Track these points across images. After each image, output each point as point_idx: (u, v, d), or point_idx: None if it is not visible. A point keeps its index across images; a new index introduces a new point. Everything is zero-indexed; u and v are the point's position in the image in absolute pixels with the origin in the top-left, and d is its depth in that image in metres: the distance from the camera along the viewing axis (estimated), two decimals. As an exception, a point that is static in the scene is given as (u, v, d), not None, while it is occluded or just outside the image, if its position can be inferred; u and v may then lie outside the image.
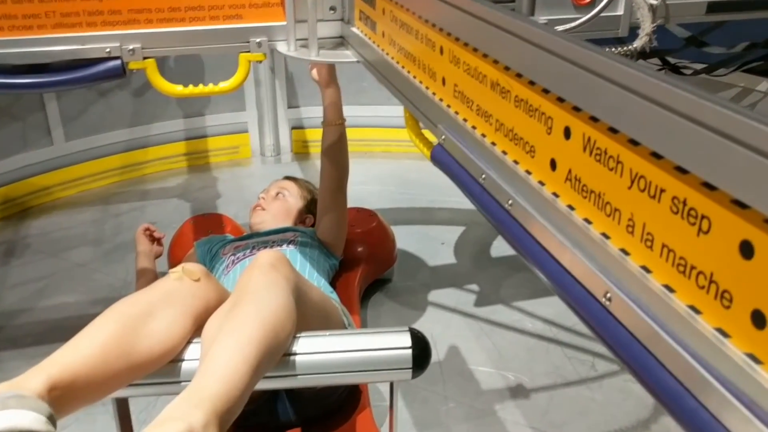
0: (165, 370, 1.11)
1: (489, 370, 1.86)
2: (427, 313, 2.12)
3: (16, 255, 2.53)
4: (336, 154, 1.86)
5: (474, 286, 2.27)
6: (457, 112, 0.96)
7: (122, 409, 1.18)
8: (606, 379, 1.82)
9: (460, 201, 2.78)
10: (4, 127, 2.78)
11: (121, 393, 1.12)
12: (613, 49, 1.34)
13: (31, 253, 2.54)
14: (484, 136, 0.88)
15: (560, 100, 0.70)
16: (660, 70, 2.30)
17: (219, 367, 0.97)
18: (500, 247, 2.49)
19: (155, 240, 2.06)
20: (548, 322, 2.05)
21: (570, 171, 0.69)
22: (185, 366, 1.12)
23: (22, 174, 2.86)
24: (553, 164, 0.72)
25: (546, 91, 0.73)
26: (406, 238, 2.48)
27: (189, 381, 0.97)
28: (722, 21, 1.97)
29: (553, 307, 2.11)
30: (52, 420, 0.83)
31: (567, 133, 0.69)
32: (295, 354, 1.15)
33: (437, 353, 1.92)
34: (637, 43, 1.23)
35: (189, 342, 1.14)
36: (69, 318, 2.13)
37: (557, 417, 1.69)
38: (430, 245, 2.51)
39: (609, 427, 1.65)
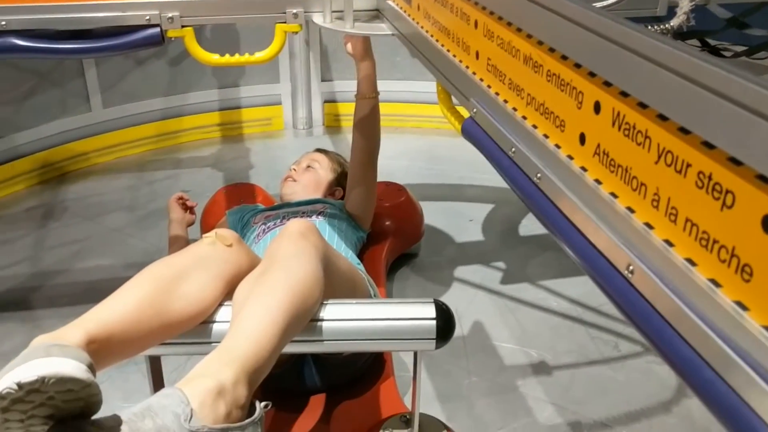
0: (197, 331, 1.14)
1: (512, 347, 1.88)
2: (453, 289, 2.14)
3: (54, 218, 2.60)
4: (368, 127, 1.87)
5: (500, 264, 2.27)
6: (489, 86, 0.97)
7: (155, 366, 1.22)
8: (629, 360, 1.82)
9: (490, 178, 2.79)
10: (45, 93, 2.85)
11: (154, 351, 1.16)
12: (650, 28, 1.33)
13: (69, 217, 2.61)
14: (515, 109, 0.89)
15: (591, 74, 0.71)
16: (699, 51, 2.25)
17: (248, 329, 1.00)
18: (528, 226, 2.49)
19: (188, 208, 2.10)
20: (573, 302, 2.06)
21: (598, 145, 0.70)
22: (216, 327, 1.15)
23: (61, 139, 2.93)
24: (582, 138, 0.73)
25: (578, 66, 0.73)
26: (434, 214, 2.49)
27: (219, 342, 1.01)
28: (765, 2, 1.93)
29: (579, 287, 2.12)
30: (91, 369, 0.87)
31: (597, 107, 0.70)
32: (322, 320, 1.17)
33: (461, 328, 1.94)
34: (674, 22, 1.22)
35: (220, 305, 1.18)
36: (103, 280, 2.19)
37: (578, 394, 1.70)
38: (458, 222, 2.52)
39: (630, 407, 1.66)
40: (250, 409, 0.96)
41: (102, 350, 0.96)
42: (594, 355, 1.84)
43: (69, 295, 2.11)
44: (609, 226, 0.67)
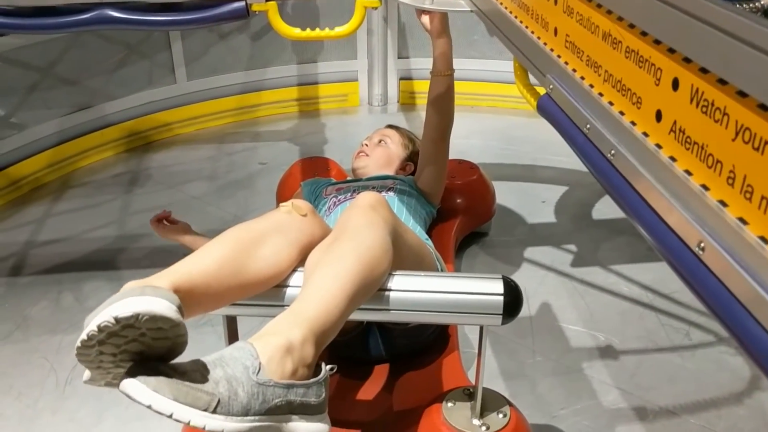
0: (270, 294, 1.19)
1: (579, 329, 1.87)
2: (522, 269, 2.14)
3: (139, 184, 2.73)
4: (442, 104, 1.88)
5: (572, 246, 2.25)
6: (566, 63, 0.97)
7: (231, 326, 1.28)
8: (700, 349, 1.78)
9: (565, 160, 2.75)
10: (133, 65, 2.97)
11: (230, 311, 1.22)
12: (738, 6, 1.28)
13: (152, 184, 2.73)
14: (591, 86, 0.89)
15: (671, 51, 0.70)
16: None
17: (317, 293, 1.04)
18: (602, 210, 2.45)
19: (175, 222, 1.87)
20: (645, 288, 2.02)
21: (675, 122, 0.70)
22: (288, 291, 1.20)
23: (147, 110, 3.06)
24: (658, 115, 0.73)
25: (657, 42, 0.73)
26: (506, 194, 2.49)
27: (290, 305, 1.05)
28: None
29: (652, 273, 2.08)
30: (180, 311, 0.93)
31: (675, 84, 0.69)
32: (390, 290, 1.20)
33: (528, 308, 1.94)
34: (766, 0, 1.17)
35: (293, 270, 1.22)
36: (181, 247, 2.29)
37: (645, 380, 1.68)
38: (530, 202, 2.51)
39: (699, 396, 1.63)
40: (316, 370, 1.00)
41: (184, 300, 1.01)
42: (664, 343, 1.81)
43: (151, 258, 2.21)
44: (681, 203, 0.67)
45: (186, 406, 0.85)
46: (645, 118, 0.75)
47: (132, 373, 0.88)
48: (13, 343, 1.85)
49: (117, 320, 0.85)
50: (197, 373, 0.89)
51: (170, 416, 0.85)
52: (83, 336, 0.87)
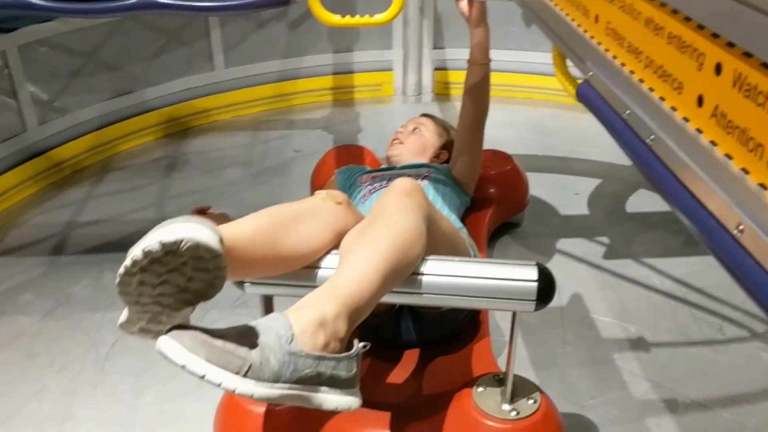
0: (305, 274, 1.22)
1: (610, 321, 1.86)
2: (554, 260, 2.14)
3: (177, 169, 2.78)
4: (478, 92, 1.89)
5: (604, 239, 2.25)
6: (607, 50, 0.97)
7: (267, 305, 1.31)
8: (733, 344, 1.77)
9: (599, 153, 2.74)
10: (173, 52, 3.03)
11: (265, 290, 1.25)
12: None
13: (190, 169, 2.78)
14: (632, 72, 0.89)
15: (714, 36, 0.70)
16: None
17: (352, 272, 1.07)
18: (636, 203, 2.44)
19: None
20: (678, 281, 2.01)
21: (716, 107, 0.70)
22: (321, 273, 1.22)
23: (186, 96, 3.12)
24: (700, 100, 0.73)
25: (700, 27, 0.73)
26: (539, 185, 2.48)
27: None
28: None
29: (685, 267, 2.06)
30: (221, 244, 0.94)
31: (718, 69, 0.70)
32: (423, 274, 1.22)
33: (559, 299, 1.94)
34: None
35: (327, 252, 1.24)
36: (219, 229, 2.33)
37: (676, 373, 1.68)
38: (564, 194, 2.50)
39: (731, 391, 1.62)
40: (349, 346, 1.03)
41: None
42: (696, 336, 1.80)
43: (188, 240, 2.25)
44: (721, 186, 0.67)
45: (218, 368, 0.87)
46: (686, 103, 0.76)
47: (169, 334, 0.90)
48: (56, 320, 1.91)
49: (162, 244, 0.87)
50: (231, 337, 0.91)
51: (203, 377, 0.87)
52: (127, 262, 0.88)
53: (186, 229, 0.90)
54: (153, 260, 0.89)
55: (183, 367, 0.87)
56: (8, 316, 1.92)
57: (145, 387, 1.66)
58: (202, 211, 1.94)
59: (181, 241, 0.88)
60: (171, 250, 0.88)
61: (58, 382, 1.69)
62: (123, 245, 2.37)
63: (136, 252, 0.88)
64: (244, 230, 1.10)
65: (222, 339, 0.90)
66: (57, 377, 1.70)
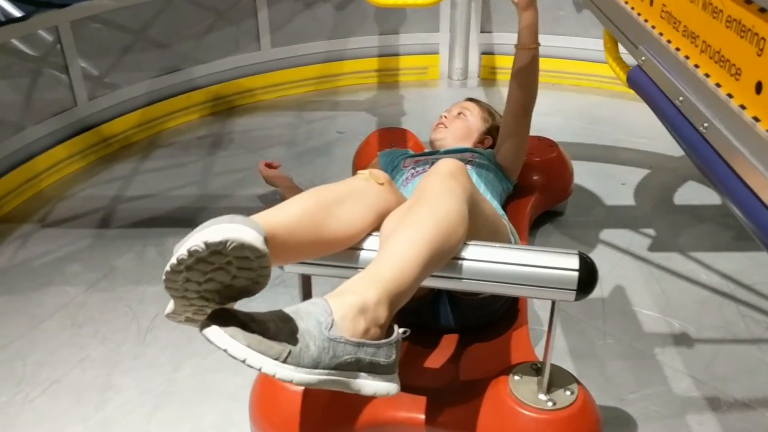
0: (345, 255, 1.22)
1: (654, 314, 1.82)
2: (597, 250, 2.10)
3: (222, 147, 2.81)
4: (525, 78, 1.85)
5: (650, 231, 2.19)
6: (661, 33, 0.94)
7: (306, 284, 1.31)
8: (782, 344, 1.72)
9: (647, 143, 2.68)
10: (221, 30, 3.05)
11: (305, 269, 1.25)
12: None
13: (234, 147, 2.81)
14: (687, 57, 0.86)
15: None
16: None
17: (394, 257, 1.06)
18: (685, 195, 2.38)
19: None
20: (725, 277, 1.95)
21: (776, 95, 0.67)
22: (363, 254, 1.22)
23: (232, 75, 3.14)
24: (758, 87, 0.70)
25: (762, 11, 0.70)
26: (585, 174, 2.44)
27: (364, 268, 1.07)
28: None
29: (734, 262, 2.00)
30: (266, 243, 0.95)
31: (780, 54, 0.67)
32: (464, 259, 1.20)
33: (601, 290, 1.91)
34: None
35: (368, 234, 1.24)
36: (260, 208, 2.31)
37: (720, 371, 1.63)
38: (610, 184, 2.45)
39: (777, 391, 1.58)
40: (389, 332, 1.02)
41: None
42: (743, 334, 1.75)
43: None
44: (778, 178, 0.64)
45: (259, 354, 0.88)
46: (743, 90, 0.73)
47: (212, 317, 0.91)
48: (100, 291, 1.95)
49: (207, 245, 0.88)
50: (272, 323, 0.92)
51: (244, 361, 0.88)
52: (173, 260, 0.90)
53: (231, 230, 0.91)
54: (198, 260, 0.90)
55: (225, 350, 0.89)
56: (56, 286, 1.98)
57: (184, 360, 1.69)
58: (270, 166, 2.11)
59: (227, 242, 0.89)
60: (216, 250, 0.89)
61: (100, 352, 1.73)
62: (167, 221, 2.43)
63: (182, 251, 0.89)
64: (290, 217, 1.11)
65: (263, 323, 0.91)
66: (100, 347, 1.75)
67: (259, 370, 0.89)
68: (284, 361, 0.90)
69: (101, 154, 2.73)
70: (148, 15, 2.81)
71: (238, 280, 0.95)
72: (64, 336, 1.78)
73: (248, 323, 0.91)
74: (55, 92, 2.56)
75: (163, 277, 0.92)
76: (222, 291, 0.95)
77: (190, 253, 0.88)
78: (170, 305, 0.99)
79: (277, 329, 0.91)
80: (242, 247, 0.90)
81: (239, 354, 0.88)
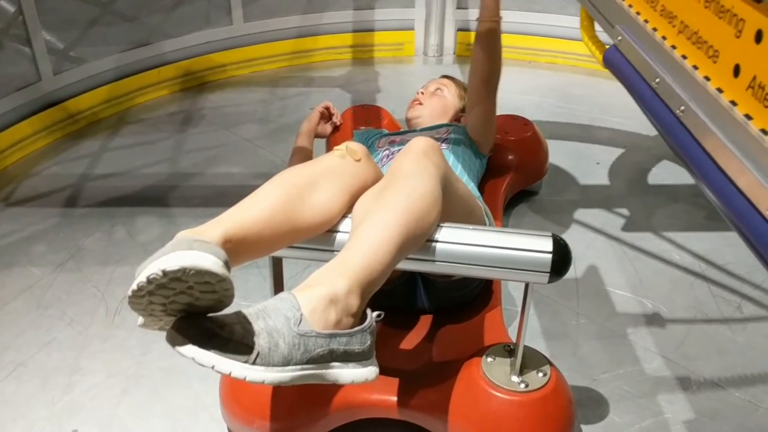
0: (320, 238, 1.19)
1: (626, 294, 1.83)
2: (571, 230, 2.10)
3: (193, 124, 2.75)
4: (487, 47, 1.76)
5: (624, 211, 2.20)
6: (638, 13, 0.92)
7: (277, 268, 1.29)
8: (752, 323, 1.73)
9: (623, 122, 2.67)
10: (192, 4, 2.97)
11: (278, 253, 1.23)
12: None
13: (205, 124, 2.76)
14: (664, 38, 0.84)
15: (757, 0, 0.65)
16: None
17: (364, 244, 1.03)
18: (659, 175, 2.38)
19: (329, 119, 2.21)
20: (698, 257, 1.97)
21: (754, 78, 0.65)
22: (338, 237, 1.19)
23: (203, 50, 3.07)
24: (736, 70, 0.68)
25: (742, -9, 0.68)
26: (559, 153, 2.43)
27: (340, 250, 1.04)
28: None
29: (707, 243, 2.02)
30: (227, 266, 0.94)
31: (758, 36, 0.65)
32: (437, 241, 1.18)
33: (575, 270, 1.91)
34: None
35: (344, 216, 1.21)
36: (233, 186, 2.31)
37: (691, 350, 1.65)
38: (585, 163, 2.45)
39: (747, 370, 1.59)
40: (363, 317, 1.00)
41: (236, 249, 1.02)
42: (714, 314, 1.77)
43: (201, 197, 2.25)
44: (753, 163, 0.63)
45: (227, 358, 0.87)
46: (721, 72, 0.71)
47: (176, 327, 0.90)
48: (68, 272, 1.91)
49: (165, 273, 0.86)
50: (239, 325, 0.90)
51: (212, 368, 0.87)
52: (133, 287, 0.88)
53: (189, 257, 0.88)
54: (159, 285, 0.88)
55: (192, 359, 0.87)
56: (20, 266, 1.93)
57: (154, 343, 1.66)
58: (327, 108, 2.20)
59: (185, 269, 0.87)
60: (175, 277, 0.87)
61: (67, 334, 1.69)
62: (136, 199, 2.38)
63: (141, 278, 0.87)
64: (262, 212, 1.08)
65: (229, 327, 0.89)
66: (67, 329, 1.71)
67: (229, 374, 0.88)
68: (254, 363, 0.88)
69: (68, 131, 2.66)
70: (116, -13, 2.73)
71: (202, 300, 0.93)
72: (29, 318, 1.74)
73: (213, 329, 0.89)
74: (18, 66, 2.48)
75: (128, 300, 0.90)
76: (188, 309, 0.93)
77: (149, 281, 0.87)
78: (141, 319, 0.97)
79: (245, 330, 0.90)
80: (201, 273, 0.88)
81: (207, 361, 0.87)
